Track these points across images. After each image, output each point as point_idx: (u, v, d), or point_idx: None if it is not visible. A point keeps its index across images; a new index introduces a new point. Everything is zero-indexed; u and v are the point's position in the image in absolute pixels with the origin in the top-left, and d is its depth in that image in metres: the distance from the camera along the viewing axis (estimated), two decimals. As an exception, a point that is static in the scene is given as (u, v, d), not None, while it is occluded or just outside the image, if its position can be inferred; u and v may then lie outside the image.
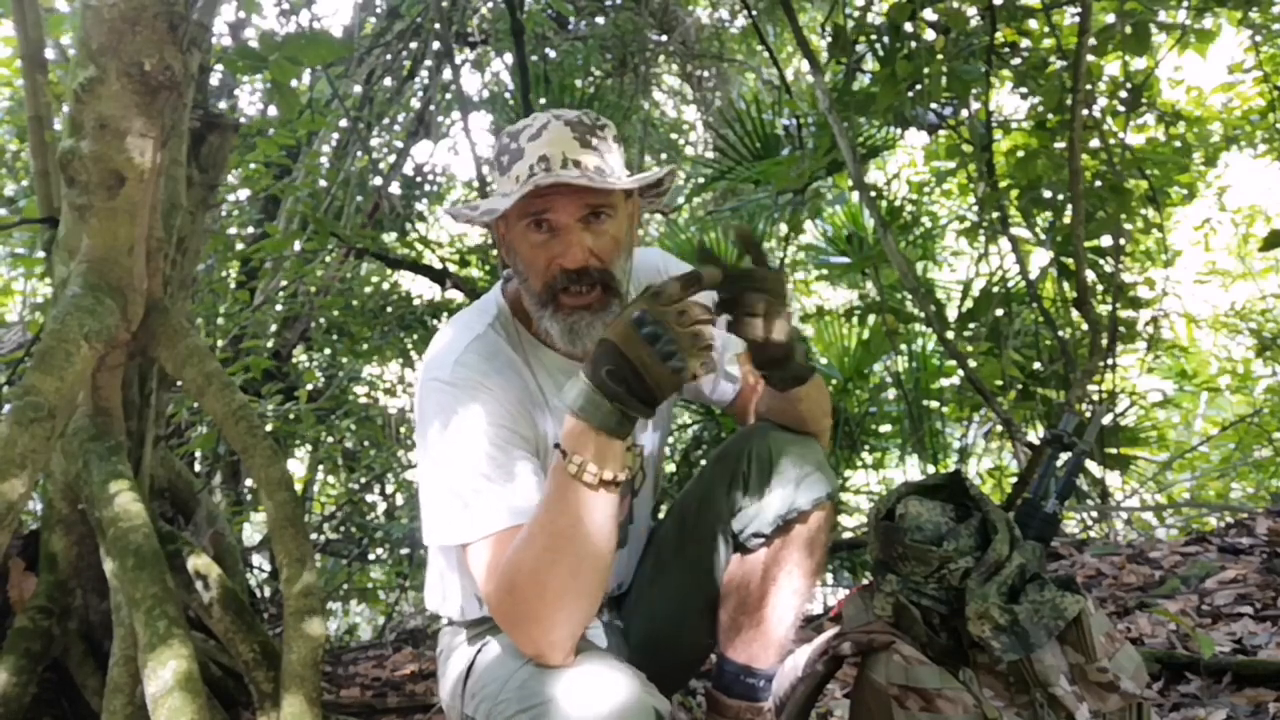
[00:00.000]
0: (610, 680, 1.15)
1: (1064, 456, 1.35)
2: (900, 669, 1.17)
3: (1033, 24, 4.12)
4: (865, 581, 1.40)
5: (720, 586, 1.54)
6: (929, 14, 3.73)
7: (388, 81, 6.03)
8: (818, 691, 1.37)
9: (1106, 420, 4.63)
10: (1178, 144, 4.86)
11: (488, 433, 1.31)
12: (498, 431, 1.31)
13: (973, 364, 4.17)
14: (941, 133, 4.69)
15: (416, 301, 5.62)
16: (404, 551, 5.18)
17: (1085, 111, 3.56)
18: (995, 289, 4.52)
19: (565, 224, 1.31)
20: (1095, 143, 3.92)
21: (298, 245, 4.07)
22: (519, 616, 1.19)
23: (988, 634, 1.15)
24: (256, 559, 4.69)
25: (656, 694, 1.17)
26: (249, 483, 4.60)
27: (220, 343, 4.05)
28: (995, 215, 4.12)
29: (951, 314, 4.68)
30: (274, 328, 4.89)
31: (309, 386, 4.49)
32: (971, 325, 4.57)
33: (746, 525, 1.48)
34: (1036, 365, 4.55)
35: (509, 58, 5.95)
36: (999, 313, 4.40)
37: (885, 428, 5.31)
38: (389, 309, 5.35)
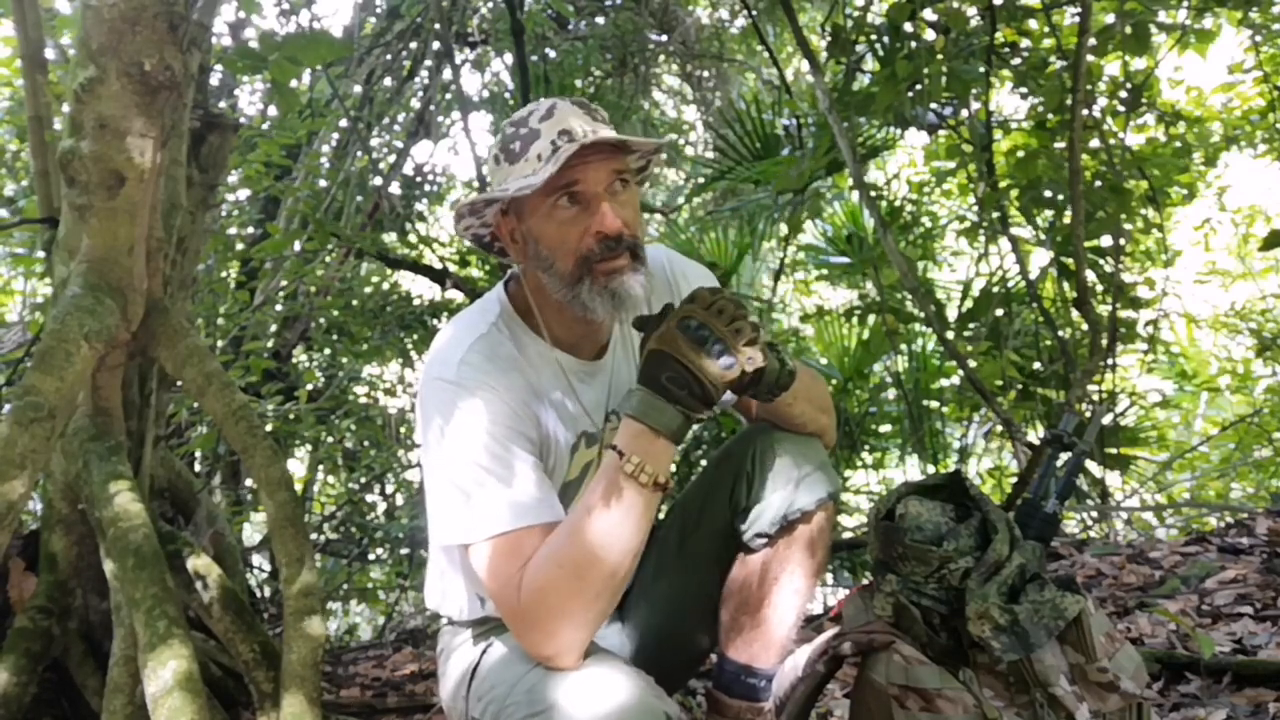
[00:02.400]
0: (620, 684, 1.15)
1: (1064, 456, 1.35)
2: (900, 669, 1.17)
3: (1033, 24, 4.12)
4: (865, 581, 1.40)
5: (721, 586, 1.54)
6: (929, 14, 3.73)
7: (388, 81, 6.03)
8: (818, 691, 1.37)
9: (1106, 420, 4.63)
10: (1178, 144, 4.86)
11: (492, 432, 1.30)
12: (502, 431, 1.31)
13: (973, 364, 4.17)
14: (941, 133, 4.69)
15: (416, 301, 5.62)
16: (404, 551, 5.18)
17: (1085, 111, 3.56)
18: (995, 289, 4.52)
19: (596, 193, 1.32)
20: (1095, 143, 3.92)
21: (298, 245, 4.07)
22: (543, 614, 1.18)
23: (988, 634, 1.15)
24: (256, 559, 4.69)
25: (666, 698, 1.17)
26: (249, 483, 4.60)
27: (220, 343, 4.05)
28: (995, 215, 4.12)
29: (951, 314, 4.68)
30: (274, 328, 4.89)
31: (309, 386, 4.49)
32: (971, 325, 4.57)
33: (750, 525, 1.48)
34: (1036, 365, 4.55)
35: (509, 58, 5.96)
36: (999, 313, 4.40)
37: (885, 428, 5.31)
38: (389, 309, 5.34)
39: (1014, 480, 4.21)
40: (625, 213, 1.34)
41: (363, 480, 5.44)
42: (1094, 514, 4.76)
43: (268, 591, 4.35)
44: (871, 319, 5.08)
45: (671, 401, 1.18)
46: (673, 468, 1.21)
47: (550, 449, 1.42)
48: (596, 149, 1.31)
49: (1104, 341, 3.95)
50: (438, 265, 5.43)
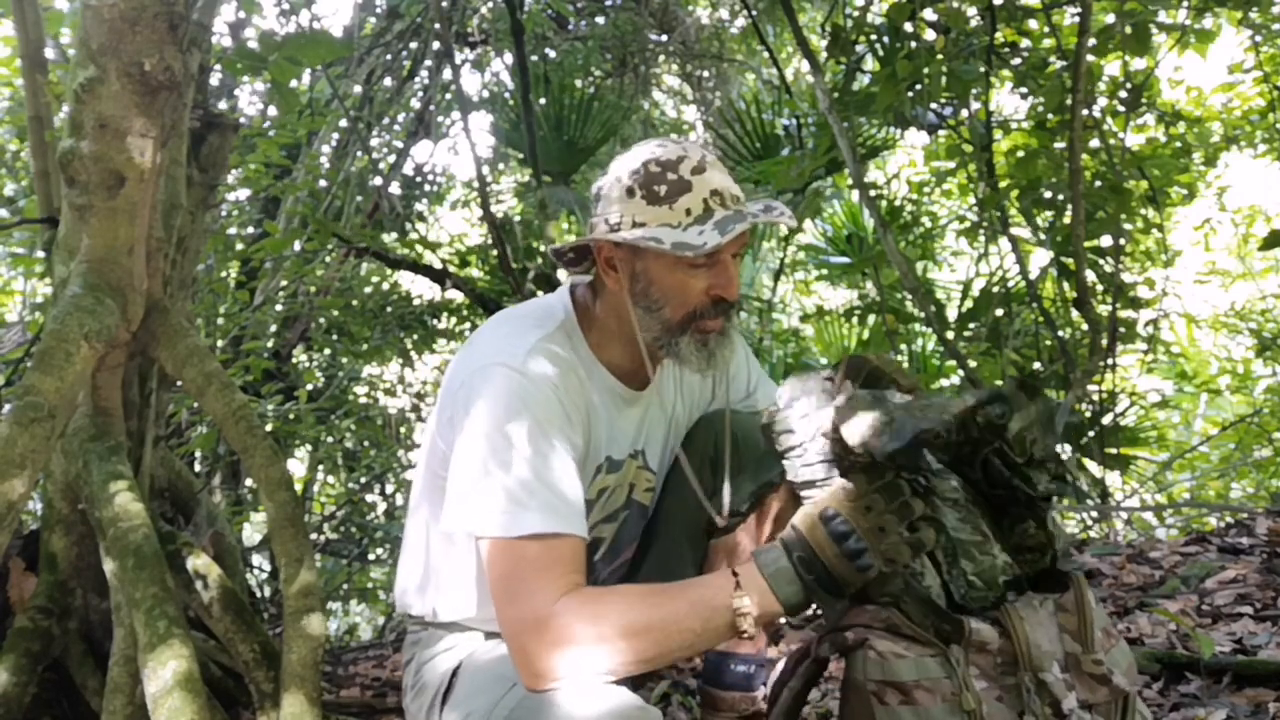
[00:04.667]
0: (601, 697, 1.13)
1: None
2: (876, 665, 1.15)
3: (1033, 24, 4.12)
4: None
5: (698, 573, 1.55)
6: (929, 14, 3.73)
7: (388, 81, 6.03)
8: (804, 696, 1.36)
9: (1107, 420, 4.63)
10: (1178, 144, 4.87)
11: (548, 431, 1.28)
12: (557, 432, 1.30)
13: (973, 364, 4.17)
14: (941, 133, 4.70)
15: (416, 301, 5.62)
16: (404, 551, 5.18)
17: (1085, 111, 3.56)
18: (995, 289, 4.52)
19: (727, 258, 1.35)
20: (1095, 143, 3.93)
21: (298, 245, 4.07)
22: (558, 658, 1.15)
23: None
24: (256, 559, 4.69)
25: (648, 706, 1.16)
26: (249, 483, 4.60)
27: (220, 343, 4.05)
28: (995, 215, 4.12)
29: (951, 314, 4.69)
30: (274, 328, 4.89)
31: (309, 386, 4.49)
32: (971, 325, 4.58)
33: (723, 506, 1.49)
34: (1036, 365, 4.55)
35: (509, 58, 5.96)
36: (999, 313, 4.40)
37: (885, 428, 5.29)
38: (389, 309, 5.34)
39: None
40: (738, 278, 1.39)
41: (363, 480, 5.44)
42: (1094, 514, 4.76)
43: (268, 591, 4.35)
44: (871, 319, 5.09)
45: (800, 580, 1.16)
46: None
47: (582, 463, 1.40)
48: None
49: (1104, 341, 3.95)
50: (438, 265, 5.43)
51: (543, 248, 5.59)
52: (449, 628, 1.44)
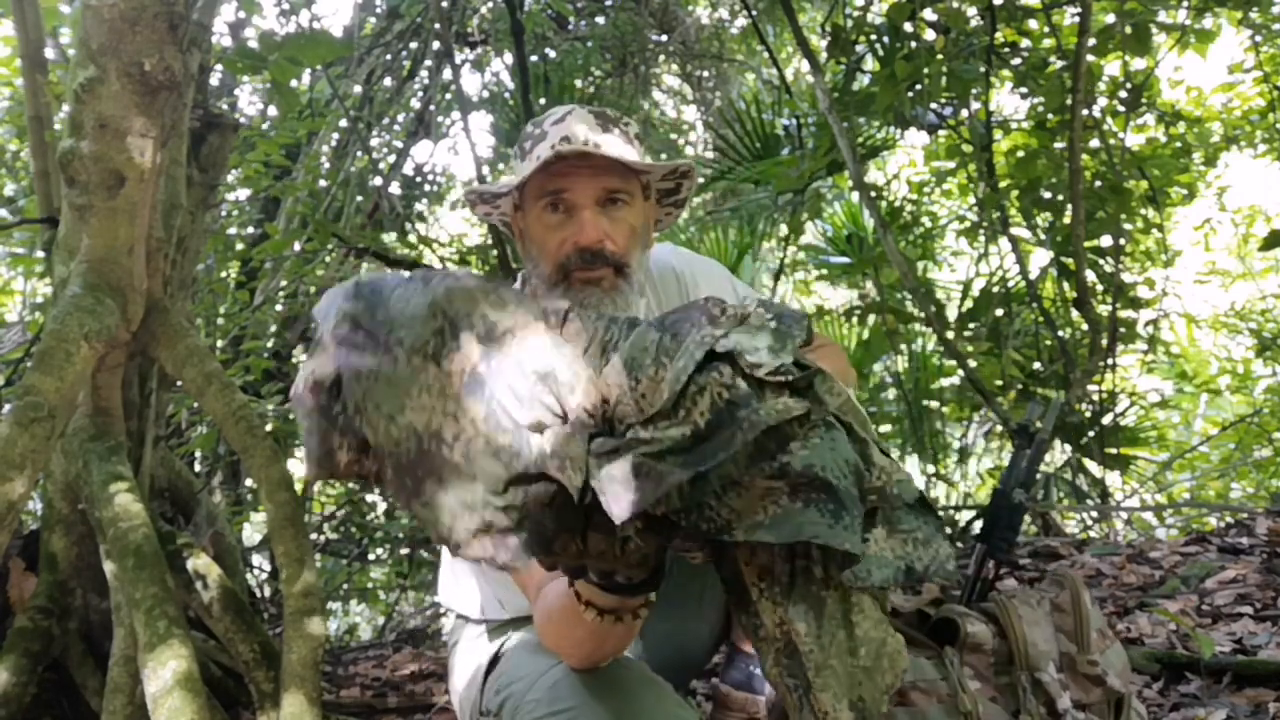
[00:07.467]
0: (642, 691, 1.14)
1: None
2: None
3: (1033, 24, 4.12)
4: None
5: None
6: (929, 14, 3.73)
7: (388, 81, 6.03)
8: None
9: (1107, 420, 4.63)
10: (1178, 144, 4.87)
11: None
12: None
13: (973, 364, 4.17)
14: (941, 133, 4.70)
15: (416, 301, 5.60)
16: (404, 551, 5.17)
17: (1085, 111, 3.56)
18: (995, 289, 4.52)
19: (581, 204, 1.32)
20: (1095, 143, 3.93)
21: (298, 245, 4.07)
22: (550, 642, 1.19)
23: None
24: (256, 559, 4.69)
25: (685, 706, 1.17)
26: (249, 483, 4.59)
27: (220, 343, 4.05)
28: (995, 215, 4.12)
29: (951, 314, 4.68)
30: (274, 328, 4.89)
31: (309, 386, 4.47)
32: (971, 325, 4.58)
33: None
34: (1036, 365, 4.55)
35: (509, 58, 5.95)
36: (999, 313, 4.40)
37: (885, 428, 5.31)
38: (389, 309, 5.33)
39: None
40: (616, 229, 1.33)
41: (363, 480, 5.43)
42: (1094, 514, 4.76)
43: (268, 591, 4.34)
44: (871, 319, 5.08)
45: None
46: None
47: None
48: (591, 162, 1.31)
49: (1104, 341, 3.95)
50: (438, 265, 5.42)
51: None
52: (498, 625, 1.46)
